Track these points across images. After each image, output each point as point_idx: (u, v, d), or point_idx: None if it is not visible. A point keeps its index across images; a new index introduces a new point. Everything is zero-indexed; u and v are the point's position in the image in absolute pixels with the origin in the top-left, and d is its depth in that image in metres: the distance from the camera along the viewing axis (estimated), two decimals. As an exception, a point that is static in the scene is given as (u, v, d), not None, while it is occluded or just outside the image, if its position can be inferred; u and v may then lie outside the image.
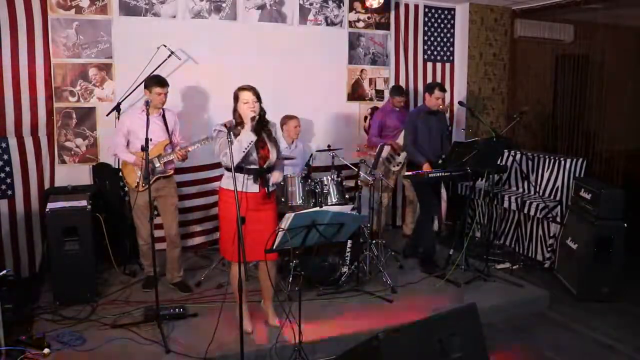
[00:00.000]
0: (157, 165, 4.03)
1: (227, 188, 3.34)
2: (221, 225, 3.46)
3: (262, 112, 3.40)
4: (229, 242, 3.24)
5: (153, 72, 4.65)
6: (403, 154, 5.55)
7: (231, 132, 3.15)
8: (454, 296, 4.19)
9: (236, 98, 3.35)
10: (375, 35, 6.03)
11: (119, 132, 4.12)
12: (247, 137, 3.24)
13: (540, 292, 4.40)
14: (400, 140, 5.53)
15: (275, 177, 3.44)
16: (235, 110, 3.36)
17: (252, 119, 3.27)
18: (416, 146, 4.73)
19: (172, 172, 4.18)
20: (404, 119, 5.61)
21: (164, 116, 4.15)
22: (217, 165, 5.15)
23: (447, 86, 6.30)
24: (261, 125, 3.40)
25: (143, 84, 4.12)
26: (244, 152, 3.24)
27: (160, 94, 4.01)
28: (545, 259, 5.17)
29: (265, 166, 3.39)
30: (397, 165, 5.60)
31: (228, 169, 3.25)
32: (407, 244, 5.29)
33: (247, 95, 3.30)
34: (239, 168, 3.28)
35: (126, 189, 4.39)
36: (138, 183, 4.04)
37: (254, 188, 3.36)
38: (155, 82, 4.03)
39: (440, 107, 4.86)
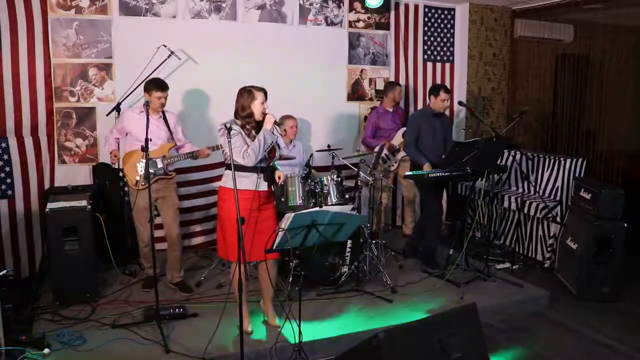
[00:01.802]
0: (160, 166, 4.03)
1: (229, 187, 3.35)
2: (223, 225, 3.41)
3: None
4: (233, 242, 3.21)
5: (153, 72, 4.66)
6: (400, 154, 5.56)
7: (231, 131, 3.19)
8: (454, 296, 4.19)
9: (251, 96, 3.34)
10: (375, 35, 6.03)
11: (120, 125, 4.19)
12: (270, 136, 3.32)
13: (540, 292, 4.40)
14: (395, 140, 5.54)
15: (282, 177, 3.57)
16: (245, 107, 3.35)
17: (275, 122, 3.35)
18: (417, 147, 4.74)
19: (174, 174, 4.19)
20: (397, 120, 5.63)
21: (164, 118, 4.15)
22: (217, 165, 5.19)
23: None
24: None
25: (143, 86, 4.11)
26: (266, 150, 3.32)
27: (160, 97, 4.01)
28: (545, 259, 5.17)
29: (271, 164, 3.48)
30: (395, 164, 5.61)
31: (238, 168, 3.27)
32: (408, 243, 5.29)
33: (263, 96, 3.38)
34: (254, 167, 3.33)
35: (126, 188, 4.39)
36: (137, 181, 4.05)
37: (264, 186, 3.40)
38: (156, 85, 4.01)
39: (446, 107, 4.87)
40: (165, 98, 4.06)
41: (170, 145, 4.12)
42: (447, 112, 5.32)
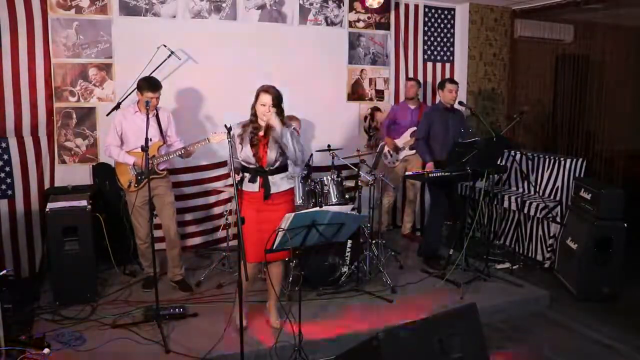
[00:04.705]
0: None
1: (240, 188, 3.40)
2: None
3: (281, 116, 3.33)
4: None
5: (153, 72, 4.65)
6: (402, 153, 5.55)
7: (231, 132, 3.17)
8: (454, 296, 4.18)
9: (256, 97, 3.33)
10: (375, 35, 6.02)
11: (113, 132, 4.06)
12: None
13: (540, 292, 4.40)
14: (400, 140, 5.54)
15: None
16: (253, 107, 3.36)
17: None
18: (426, 144, 4.73)
19: (165, 172, 4.16)
20: (415, 118, 5.55)
21: (157, 116, 4.08)
22: (216, 165, 5.19)
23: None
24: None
25: (136, 84, 4.04)
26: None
27: (152, 98, 3.92)
28: (545, 259, 5.17)
29: (266, 168, 3.36)
30: (396, 162, 5.61)
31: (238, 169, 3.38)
32: (420, 245, 5.26)
33: (265, 99, 3.28)
34: (246, 169, 3.37)
35: (125, 188, 4.40)
36: (130, 184, 4.05)
37: (253, 187, 3.36)
38: (148, 86, 3.94)
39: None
40: (158, 98, 4.00)
41: (159, 143, 4.07)
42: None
